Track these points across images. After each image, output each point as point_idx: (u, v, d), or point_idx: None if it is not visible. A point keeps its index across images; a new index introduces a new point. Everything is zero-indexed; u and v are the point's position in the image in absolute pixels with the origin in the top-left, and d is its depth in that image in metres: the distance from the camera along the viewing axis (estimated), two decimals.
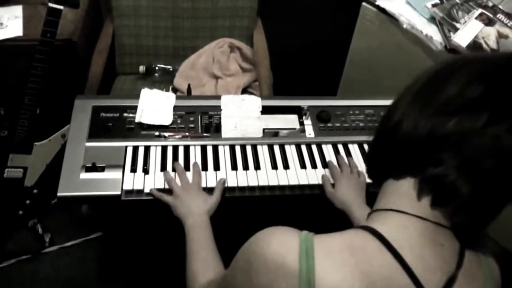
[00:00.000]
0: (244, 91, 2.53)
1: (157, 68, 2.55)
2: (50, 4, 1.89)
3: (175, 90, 2.44)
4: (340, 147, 1.82)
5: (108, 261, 2.50)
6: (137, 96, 1.83)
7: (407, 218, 0.87)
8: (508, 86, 0.82)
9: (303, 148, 1.80)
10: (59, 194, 1.55)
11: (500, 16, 2.25)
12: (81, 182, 1.58)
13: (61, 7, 1.89)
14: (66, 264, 2.47)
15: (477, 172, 0.81)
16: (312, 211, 1.92)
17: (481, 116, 0.80)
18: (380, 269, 0.83)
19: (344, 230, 0.89)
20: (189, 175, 1.63)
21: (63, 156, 1.67)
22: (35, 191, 2.38)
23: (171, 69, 2.55)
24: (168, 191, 1.59)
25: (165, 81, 2.54)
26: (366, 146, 1.83)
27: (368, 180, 1.66)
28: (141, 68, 2.53)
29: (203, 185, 1.62)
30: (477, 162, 0.81)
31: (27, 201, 2.40)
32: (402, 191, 0.90)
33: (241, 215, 1.87)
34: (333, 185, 1.66)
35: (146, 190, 1.59)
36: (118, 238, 2.40)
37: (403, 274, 0.83)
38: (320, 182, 1.68)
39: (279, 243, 0.86)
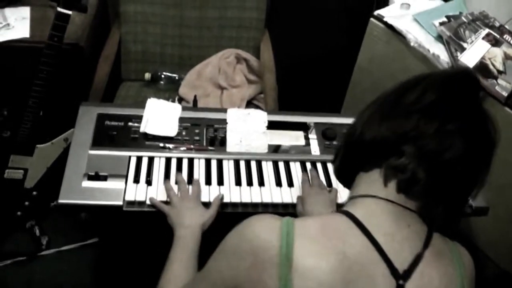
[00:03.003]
0: (249, 103, 2.52)
1: (162, 76, 2.54)
2: (59, 9, 1.87)
3: (180, 99, 2.43)
4: None
5: (104, 267, 2.48)
6: (142, 105, 1.83)
7: (376, 201, 0.98)
8: (456, 93, 0.98)
9: (308, 165, 1.79)
10: (60, 201, 1.54)
11: (506, 36, 2.24)
12: (83, 190, 1.57)
13: (69, 12, 1.88)
14: (61, 268, 2.44)
15: (433, 163, 0.94)
16: None
17: (437, 115, 0.95)
18: (353, 245, 0.93)
19: (323, 214, 1.08)
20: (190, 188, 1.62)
21: (65, 160, 1.66)
22: (34, 193, 2.36)
23: (176, 78, 2.54)
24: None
25: (170, 90, 2.54)
26: None
27: (340, 199, 1.65)
28: (147, 75, 2.53)
29: (205, 199, 1.61)
30: (433, 154, 0.94)
31: (26, 203, 2.38)
32: (371, 180, 1.02)
33: None
34: None
35: (148, 202, 1.58)
36: (115, 245, 2.39)
37: (373, 250, 0.93)
38: None
39: (263, 225, 0.96)
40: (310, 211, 1.56)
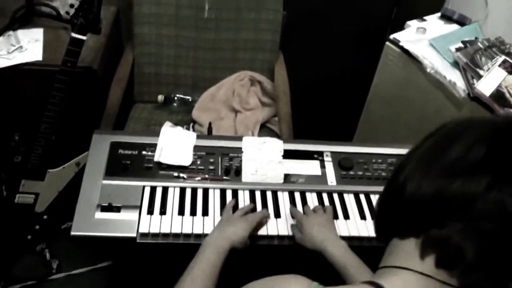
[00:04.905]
0: (263, 126, 2.49)
1: (175, 98, 2.52)
2: (73, 34, 1.85)
3: (193, 122, 2.41)
4: (362, 197, 1.76)
5: None
6: (156, 133, 1.80)
7: (412, 275, 0.86)
8: (508, 150, 0.82)
9: (325, 196, 1.75)
10: (72, 233, 1.53)
11: None
12: (96, 222, 1.55)
13: (84, 37, 1.86)
14: None
15: (481, 236, 0.80)
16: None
17: (484, 178, 0.80)
18: None
19: (352, 284, 0.98)
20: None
21: (76, 184, 1.65)
22: (45, 217, 2.35)
23: (189, 100, 2.52)
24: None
25: (183, 112, 2.51)
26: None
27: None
28: (160, 98, 2.51)
29: None
30: (481, 225, 0.79)
31: (37, 227, 2.36)
32: (406, 250, 0.89)
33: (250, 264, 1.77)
34: None
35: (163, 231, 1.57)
36: (127, 269, 2.36)
37: None
38: (343, 234, 1.62)
39: None
40: (311, 234, 1.53)
